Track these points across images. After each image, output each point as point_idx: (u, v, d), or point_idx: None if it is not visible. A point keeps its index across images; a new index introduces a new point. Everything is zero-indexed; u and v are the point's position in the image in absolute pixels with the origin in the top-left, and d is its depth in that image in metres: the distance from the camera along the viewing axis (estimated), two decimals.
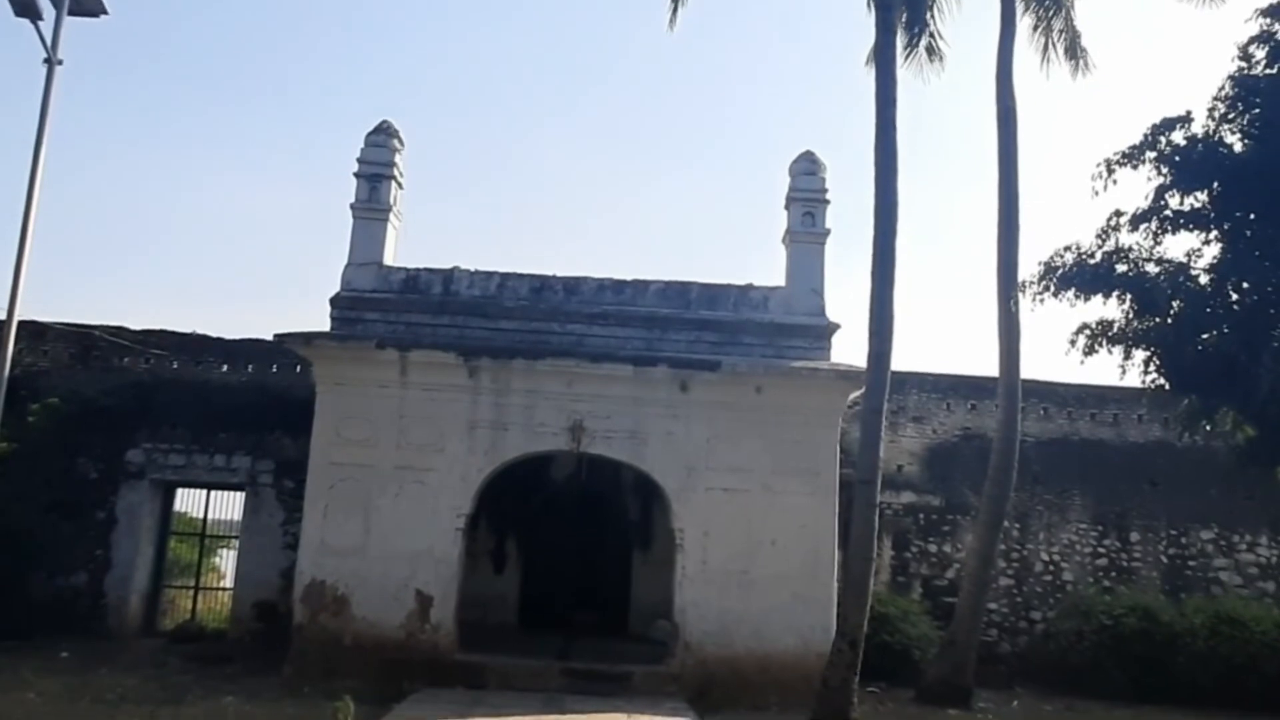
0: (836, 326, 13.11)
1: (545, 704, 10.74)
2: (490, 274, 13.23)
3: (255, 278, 70.80)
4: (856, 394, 12.60)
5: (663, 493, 12.52)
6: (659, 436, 12.41)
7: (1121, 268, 11.47)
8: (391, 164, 13.43)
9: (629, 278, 13.28)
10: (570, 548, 14.77)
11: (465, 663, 11.83)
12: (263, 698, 10.56)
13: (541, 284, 13.23)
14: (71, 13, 9.89)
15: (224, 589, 16.63)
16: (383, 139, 13.52)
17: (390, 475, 12.23)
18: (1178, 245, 11.62)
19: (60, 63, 9.77)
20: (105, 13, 10.08)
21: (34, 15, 9.58)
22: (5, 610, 12.87)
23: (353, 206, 13.30)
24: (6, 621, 12.77)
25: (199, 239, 70.84)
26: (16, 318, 9.55)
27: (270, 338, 12.88)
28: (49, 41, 9.74)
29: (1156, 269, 11.41)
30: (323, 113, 73.00)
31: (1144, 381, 11.77)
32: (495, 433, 12.38)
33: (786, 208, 13.51)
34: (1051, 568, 15.49)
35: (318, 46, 77.03)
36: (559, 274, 13.31)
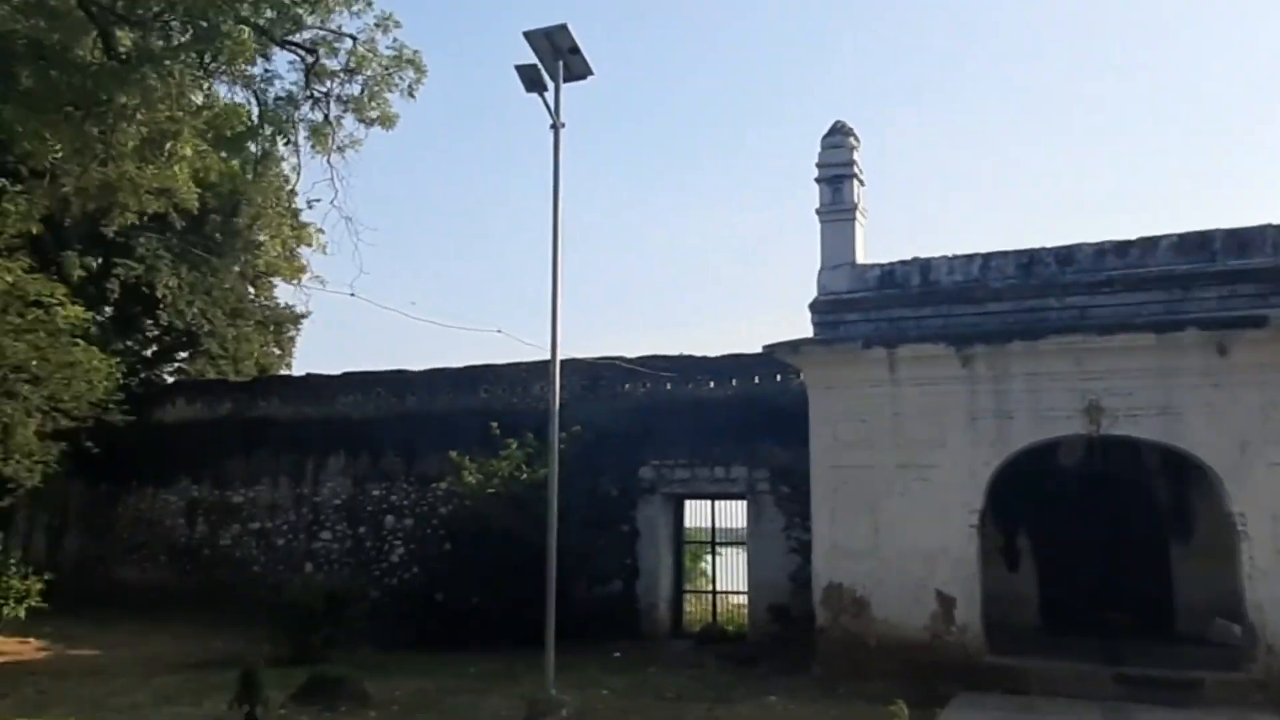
0: None
1: (1106, 715, 9.76)
2: (971, 256, 12.55)
3: (729, 297, 75.63)
4: None
5: (1210, 473, 10.91)
6: (1197, 409, 10.86)
7: None
8: (851, 163, 13.33)
9: (1132, 237, 11.86)
10: (1089, 540, 13.41)
11: (998, 666, 11.22)
12: (801, 697, 10.85)
13: (1029, 259, 12.27)
14: (565, 80, 11.07)
15: (723, 592, 17.48)
16: (839, 139, 13.48)
17: (893, 474, 12.01)
18: None
19: (564, 126, 10.95)
20: (592, 74, 11.16)
21: (541, 88, 10.89)
22: (563, 615, 14.61)
23: (818, 211, 13.40)
24: (566, 625, 14.49)
25: (671, 267, 77.22)
26: (559, 359, 10.77)
27: (758, 350, 13.28)
28: (553, 108, 10.96)
29: None
30: (777, 128, 76.51)
31: None
32: (999, 422, 11.65)
33: None
34: None
35: (760, 63, 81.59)
36: (1047, 245, 12.26)
